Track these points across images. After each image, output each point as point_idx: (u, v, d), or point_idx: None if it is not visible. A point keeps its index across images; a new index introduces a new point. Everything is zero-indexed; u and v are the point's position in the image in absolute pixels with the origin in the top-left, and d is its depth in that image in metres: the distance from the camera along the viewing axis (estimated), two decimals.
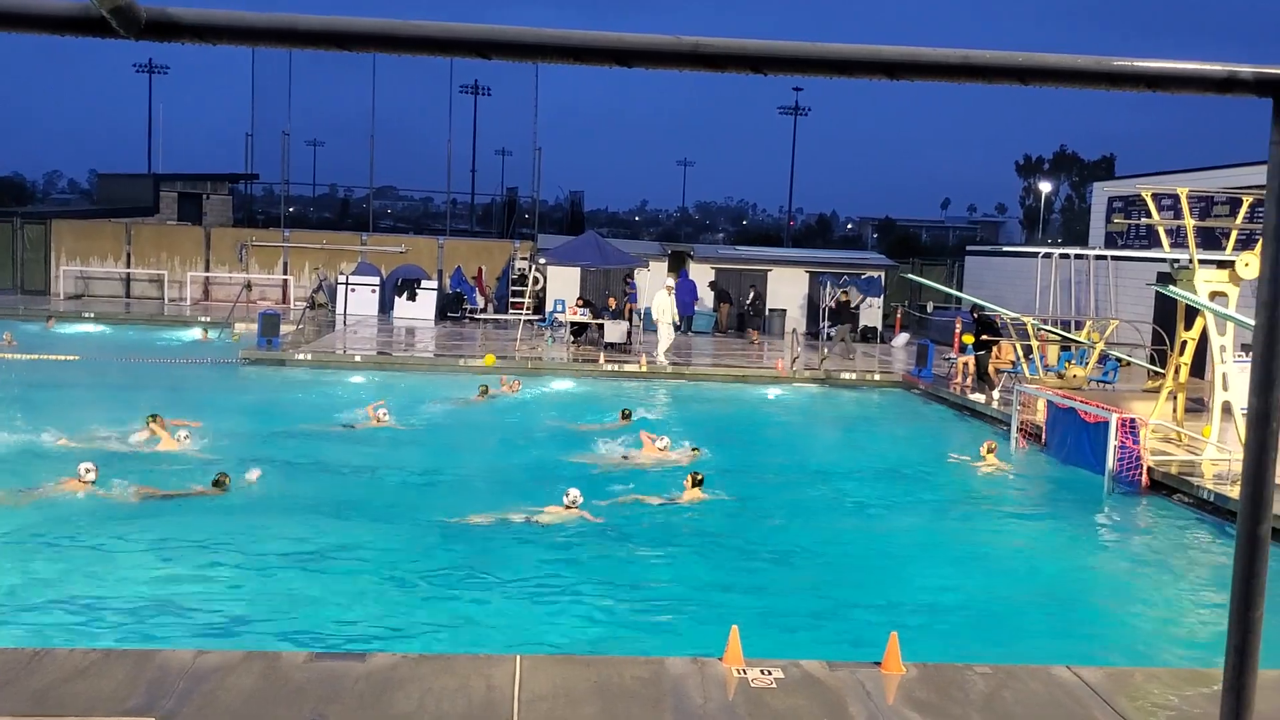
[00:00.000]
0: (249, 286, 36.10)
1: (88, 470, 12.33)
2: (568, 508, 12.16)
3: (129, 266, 36.70)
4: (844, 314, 30.77)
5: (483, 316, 34.72)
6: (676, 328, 27.47)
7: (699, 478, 13.30)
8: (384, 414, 17.22)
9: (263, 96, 42.78)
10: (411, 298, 33.54)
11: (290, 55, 41.32)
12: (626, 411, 18.27)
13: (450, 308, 34.65)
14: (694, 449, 15.93)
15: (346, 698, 6.26)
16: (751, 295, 33.97)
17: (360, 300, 33.18)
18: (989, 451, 16.43)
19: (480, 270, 36.57)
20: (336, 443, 15.96)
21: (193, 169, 51.10)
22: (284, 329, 26.08)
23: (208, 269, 36.94)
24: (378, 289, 33.74)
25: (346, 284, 33.37)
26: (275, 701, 6.18)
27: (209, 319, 30.48)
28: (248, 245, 37.10)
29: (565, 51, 2.04)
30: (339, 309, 32.95)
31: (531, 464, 15.31)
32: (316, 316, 32.22)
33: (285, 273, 37.14)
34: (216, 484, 12.76)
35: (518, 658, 6.91)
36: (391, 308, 33.60)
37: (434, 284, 34.51)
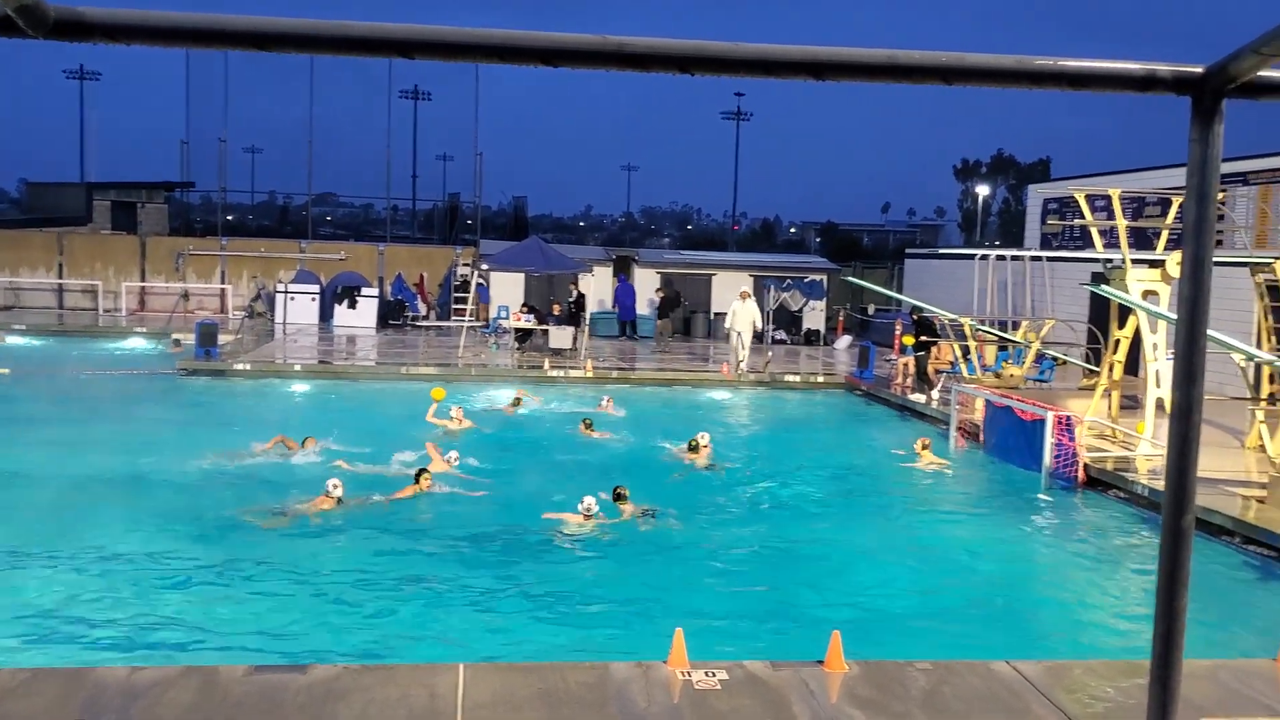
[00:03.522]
0: (186, 296, 35.59)
1: (335, 486, 12.58)
2: (586, 516, 12.09)
3: (61, 277, 36.02)
4: (666, 308, 31.35)
5: (425, 324, 34.49)
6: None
7: (624, 492, 12.83)
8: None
9: (198, 103, 42.10)
10: (352, 306, 33.22)
11: (225, 60, 40.74)
12: (588, 421, 18.14)
13: (392, 315, 34.39)
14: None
15: (287, 709, 6.18)
16: (575, 294, 30.98)
17: (300, 309, 32.81)
18: (924, 448, 16.62)
19: (422, 277, 36.35)
20: (278, 457, 15.73)
21: (127, 177, 50.19)
22: (222, 338, 25.70)
23: (143, 279, 36.34)
24: (317, 297, 33.40)
25: (286, 292, 32.98)
26: (214, 716, 6.08)
27: (175, 334, 29.49)
28: (184, 254, 36.57)
29: (490, 51, 2.03)
30: (278, 318, 32.57)
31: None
32: (255, 326, 31.82)
33: (223, 281, 36.65)
34: (419, 479, 13.27)
35: (461, 666, 6.87)
36: (331, 316, 33.26)
37: (375, 291, 34.22)
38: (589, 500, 12.17)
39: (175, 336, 28.17)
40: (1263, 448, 14.44)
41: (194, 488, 13.58)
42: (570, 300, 30.32)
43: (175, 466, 14.61)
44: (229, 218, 49.36)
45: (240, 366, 23.63)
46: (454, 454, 14.97)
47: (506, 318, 30.70)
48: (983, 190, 76.20)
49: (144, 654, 8.19)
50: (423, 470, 13.54)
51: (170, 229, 43.61)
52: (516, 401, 20.19)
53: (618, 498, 12.71)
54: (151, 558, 10.65)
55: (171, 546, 11.04)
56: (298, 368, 24.10)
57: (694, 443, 16.17)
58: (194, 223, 49.40)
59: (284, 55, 2.03)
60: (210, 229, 44.33)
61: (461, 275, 35.62)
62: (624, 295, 33.53)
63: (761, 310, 29.95)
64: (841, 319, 34.18)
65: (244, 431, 16.67)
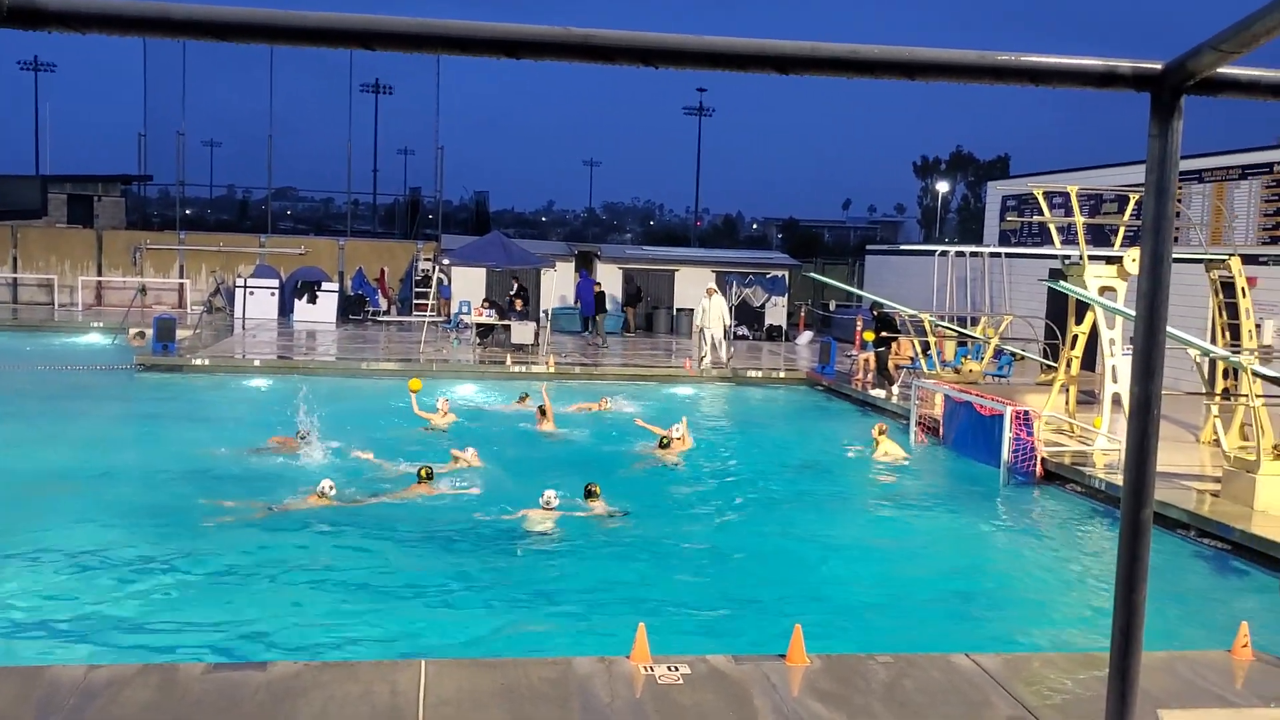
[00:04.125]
0: (144, 290, 35.16)
1: (330, 487, 12.44)
2: (546, 508, 12.03)
3: (15, 271, 35.48)
4: (600, 304, 31.51)
5: (385, 319, 34.27)
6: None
7: (595, 489, 12.80)
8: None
9: (156, 95, 41.69)
10: (312, 300, 32.95)
11: (184, 52, 40.34)
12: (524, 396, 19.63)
13: (352, 310, 34.14)
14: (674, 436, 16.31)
15: (247, 707, 6.13)
16: (516, 287, 30.77)
17: (259, 303, 32.49)
18: (880, 433, 16.74)
19: (383, 272, 36.12)
20: (250, 455, 15.56)
21: (83, 170, 49.45)
22: (180, 334, 25.41)
23: (100, 273, 35.87)
24: (277, 292, 33.09)
25: (245, 287, 32.65)
26: (172, 715, 6.02)
27: (136, 327, 28.90)
28: (142, 248, 36.11)
29: (451, 42, 2.01)
30: (237, 313, 32.24)
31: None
32: (214, 321, 31.49)
33: (181, 276, 36.25)
34: (423, 478, 13.19)
35: (423, 662, 6.83)
36: (291, 311, 32.97)
37: (335, 286, 33.96)
38: (549, 493, 12.13)
39: (136, 330, 27.80)
40: (1217, 442, 14.62)
41: (151, 483, 13.42)
42: (510, 294, 30.28)
43: (132, 462, 14.45)
44: (187, 211, 48.85)
45: (199, 362, 23.38)
46: (471, 450, 14.88)
47: (468, 313, 30.55)
48: (942, 187, 76.78)
49: (101, 652, 8.08)
50: (430, 472, 13.37)
51: (127, 223, 43.08)
52: (523, 398, 20.12)
53: (588, 495, 12.68)
54: (109, 554, 10.51)
55: (130, 543, 10.89)
56: (257, 363, 23.88)
57: (665, 439, 16.13)
58: (151, 216, 48.84)
59: (243, 47, 2.01)
60: (168, 223, 43.83)
61: (423, 270, 35.41)
62: (586, 291, 33.47)
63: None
64: (803, 315, 34.33)
65: (204, 427, 16.51)
